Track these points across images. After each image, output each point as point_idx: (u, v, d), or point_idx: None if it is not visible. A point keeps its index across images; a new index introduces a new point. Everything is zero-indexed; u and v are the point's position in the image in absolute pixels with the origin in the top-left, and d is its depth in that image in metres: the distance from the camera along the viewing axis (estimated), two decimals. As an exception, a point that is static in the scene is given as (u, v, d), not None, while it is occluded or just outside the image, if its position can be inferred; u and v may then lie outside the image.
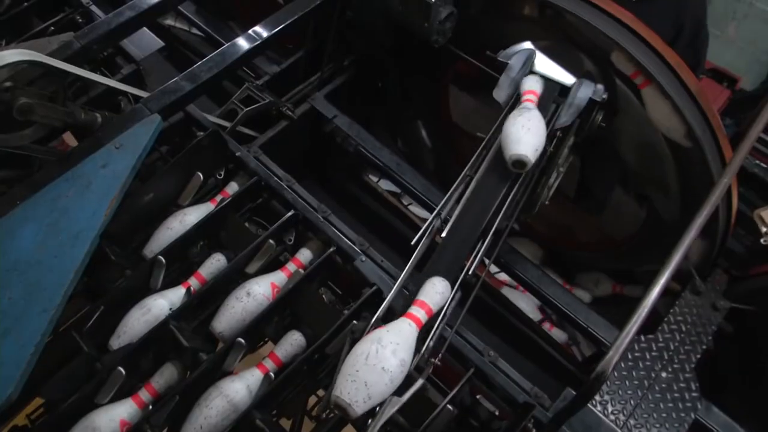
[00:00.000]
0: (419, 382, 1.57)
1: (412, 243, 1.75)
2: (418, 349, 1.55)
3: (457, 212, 1.79)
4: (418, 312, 1.57)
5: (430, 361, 1.63)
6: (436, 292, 1.62)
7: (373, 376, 1.41)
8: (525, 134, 1.73)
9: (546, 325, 2.92)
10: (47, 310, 1.67)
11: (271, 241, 1.94)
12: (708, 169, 2.08)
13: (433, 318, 1.61)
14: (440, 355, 1.66)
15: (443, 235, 1.74)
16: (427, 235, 1.78)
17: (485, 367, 1.75)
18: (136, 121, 2.03)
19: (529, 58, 2.00)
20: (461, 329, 1.80)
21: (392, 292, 1.69)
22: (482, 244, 1.79)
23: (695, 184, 2.17)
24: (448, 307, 1.67)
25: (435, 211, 1.82)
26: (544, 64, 2.01)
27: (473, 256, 1.77)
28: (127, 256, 1.97)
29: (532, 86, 1.93)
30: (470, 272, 1.73)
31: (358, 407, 1.40)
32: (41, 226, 1.83)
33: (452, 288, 1.66)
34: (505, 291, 2.99)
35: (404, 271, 1.72)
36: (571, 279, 3.05)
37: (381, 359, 1.42)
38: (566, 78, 2.00)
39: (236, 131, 2.32)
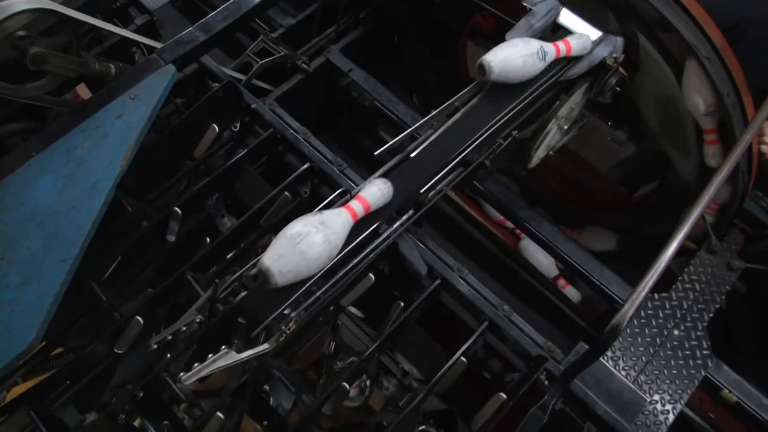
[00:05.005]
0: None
1: (375, 154, 1.73)
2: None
3: (433, 137, 1.78)
4: (356, 206, 1.58)
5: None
6: (378, 190, 1.61)
7: (300, 258, 1.44)
8: (502, 48, 1.76)
9: (560, 282, 2.92)
10: (66, 260, 1.69)
11: (286, 193, 1.94)
12: (731, 127, 2.05)
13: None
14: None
15: (413, 155, 1.74)
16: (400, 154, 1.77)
17: (499, 321, 1.75)
18: (151, 71, 2.00)
19: (554, 8, 1.95)
20: (473, 281, 1.81)
21: (355, 190, 1.68)
22: (448, 170, 1.79)
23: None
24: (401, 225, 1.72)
25: (407, 131, 1.80)
26: (569, 18, 1.97)
27: (436, 178, 1.77)
28: (143, 207, 1.98)
29: (570, 39, 1.91)
30: (425, 191, 1.74)
31: (283, 279, 1.43)
32: (58, 177, 1.83)
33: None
34: (525, 243, 2.99)
35: (369, 179, 1.70)
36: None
37: (311, 245, 1.44)
38: (589, 33, 1.95)
39: (251, 84, 2.29)
